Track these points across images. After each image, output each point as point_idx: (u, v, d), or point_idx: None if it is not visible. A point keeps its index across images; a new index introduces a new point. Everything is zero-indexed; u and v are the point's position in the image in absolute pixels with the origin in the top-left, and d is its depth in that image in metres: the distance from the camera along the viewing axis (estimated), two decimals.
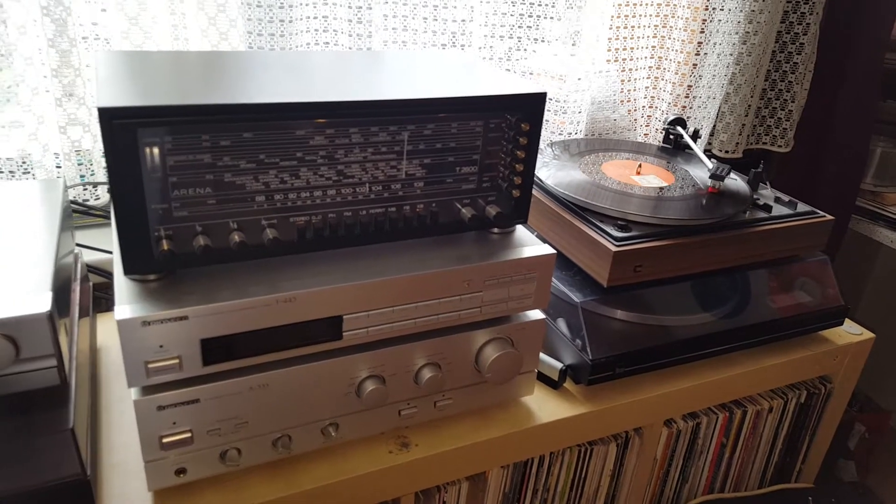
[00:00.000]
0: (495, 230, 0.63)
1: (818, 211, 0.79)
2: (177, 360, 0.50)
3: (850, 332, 0.87)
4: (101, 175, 0.76)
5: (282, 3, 0.74)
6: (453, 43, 0.84)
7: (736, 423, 0.84)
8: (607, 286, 0.68)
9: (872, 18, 1.04)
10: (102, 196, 0.78)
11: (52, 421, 0.49)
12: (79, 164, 0.74)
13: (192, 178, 0.48)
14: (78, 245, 0.73)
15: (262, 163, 0.50)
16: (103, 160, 0.78)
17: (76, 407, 0.51)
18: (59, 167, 0.76)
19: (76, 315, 0.60)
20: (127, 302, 0.49)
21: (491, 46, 0.87)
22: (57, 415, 0.50)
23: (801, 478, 0.97)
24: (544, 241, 0.63)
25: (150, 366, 0.49)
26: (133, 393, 0.51)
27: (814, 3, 0.99)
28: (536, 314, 0.64)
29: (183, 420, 0.52)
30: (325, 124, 0.50)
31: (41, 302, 0.47)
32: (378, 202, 0.55)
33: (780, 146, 1.08)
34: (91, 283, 0.73)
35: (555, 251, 0.61)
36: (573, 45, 0.91)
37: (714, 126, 1.00)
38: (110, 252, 0.75)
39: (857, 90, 1.06)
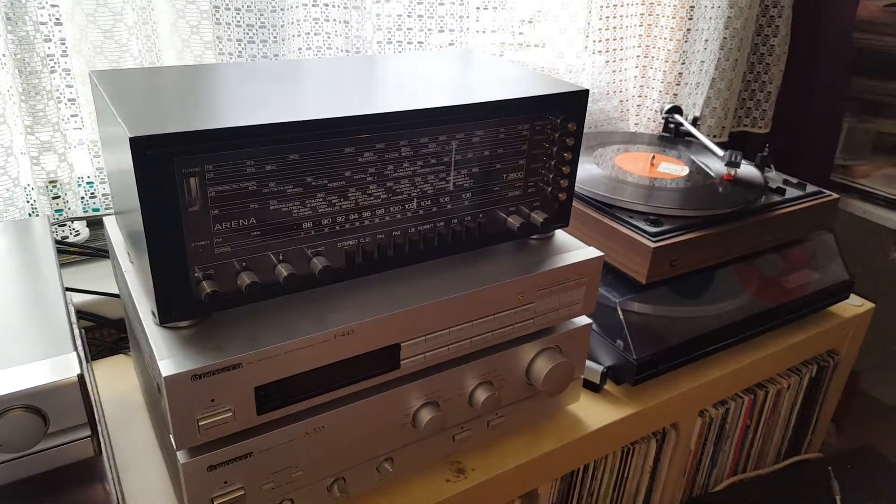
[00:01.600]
0: (534, 236, 0.60)
1: (824, 190, 0.80)
2: (230, 413, 0.44)
3: (854, 305, 0.89)
4: (80, 209, 0.68)
5: (273, 8, 0.68)
6: (451, 41, 0.80)
7: (759, 404, 0.84)
8: (646, 283, 0.66)
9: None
10: (82, 231, 0.70)
11: (91, 500, 0.43)
12: (54, 198, 0.66)
13: (236, 209, 0.43)
14: (68, 289, 0.65)
15: (310, 186, 0.45)
16: (81, 191, 0.70)
17: (114, 480, 0.45)
18: (29, 201, 0.68)
19: (86, 368, 0.53)
20: (168, 356, 0.43)
21: (483, 44, 0.84)
22: (94, 492, 0.43)
23: (811, 448, 0.99)
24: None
25: (202, 423, 0.44)
26: (180, 456, 0.45)
27: None
28: (583, 320, 0.62)
29: (235, 477, 0.47)
30: (375, 137, 0.46)
31: (68, 365, 0.40)
32: (427, 217, 0.51)
33: (760, 127, 1.10)
34: (83, 329, 0.65)
35: (602, 253, 0.59)
36: (566, 35, 0.89)
37: (701, 111, 1.00)
38: (106, 294, 0.67)
39: (830, 69, 1.10)
